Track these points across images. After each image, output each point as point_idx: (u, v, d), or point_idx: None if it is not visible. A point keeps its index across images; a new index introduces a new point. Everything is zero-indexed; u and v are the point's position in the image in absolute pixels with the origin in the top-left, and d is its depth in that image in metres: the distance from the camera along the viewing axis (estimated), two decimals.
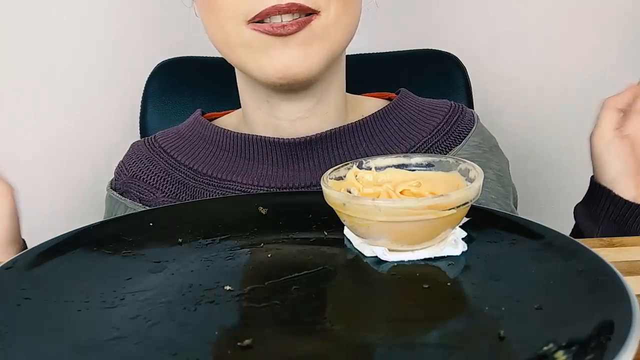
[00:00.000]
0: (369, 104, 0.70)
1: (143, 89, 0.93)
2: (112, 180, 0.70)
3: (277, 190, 0.63)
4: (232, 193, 0.63)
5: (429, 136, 0.67)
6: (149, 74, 0.93)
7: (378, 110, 0.68)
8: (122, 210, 0.67)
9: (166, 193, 0.65)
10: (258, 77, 0.60)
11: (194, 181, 0.65)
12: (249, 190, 0.63)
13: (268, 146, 0.64)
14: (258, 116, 0.66)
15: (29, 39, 1.08)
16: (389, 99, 0.73)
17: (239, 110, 0.71)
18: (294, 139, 0.64)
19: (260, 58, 0.59)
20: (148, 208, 0.64)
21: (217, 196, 0.64)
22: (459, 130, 0.68)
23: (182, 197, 0.65)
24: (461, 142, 0.67)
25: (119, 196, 0.67)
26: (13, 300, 0.37)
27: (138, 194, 0.66)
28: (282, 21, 0.57)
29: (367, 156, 0.64)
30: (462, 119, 0.69)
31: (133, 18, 1.10)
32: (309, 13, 0.58)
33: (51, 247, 0.45)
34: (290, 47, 0.58)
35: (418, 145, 0.66)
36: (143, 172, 0.68)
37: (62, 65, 1.09)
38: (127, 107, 1.02)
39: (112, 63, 1.10)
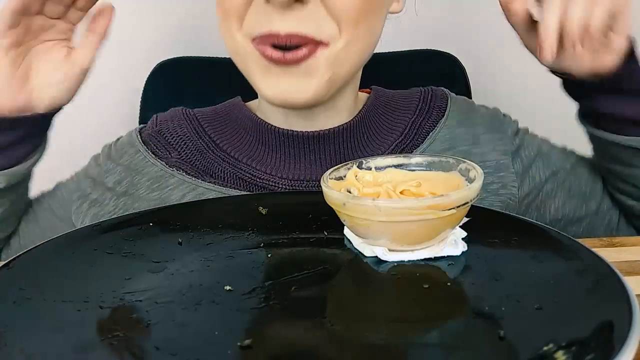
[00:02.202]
0: (360, 98, 0.72)
1: (142, 88, 0.93)
2: (143, 126, 0.73)
3: (287, 181, 0.64)
4: (244, 175, 0.65)
5: (414, 116, 0.69)
6: (149, 73, 0.93)
7: (368, 103, 0.69)
8: (134, 152, 0.68)
9: (182, 155, 0.67)
10: (261, 95, 0.61)
11: (212, 153, 0.67)
12: (260, 176, 0.65)
13: (282, 137, 0.65)
14: (272, 111, 0.67)
15: None
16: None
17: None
18: (307, 132, 0.65)
19: (263, 80, 0.58)
20: (159, 160, 0.66)
21: (227, 172, 0.65)
22: (437, 106, 0.70)
23: (196, 163, 0.66)
24: (444, 113, 0.69)
25: (139, 141, 0.69)
26: (13, 300, 0.37)
27: (155, 148, 0.68)
28: (286, 45, 0.54)
29: (372, 147, 0.66)
30: (436, 97, 0.72)
31: (132, 18, 1.09)
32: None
33: (51, 247, 0.45)
34: (290, 76, 0.56)
35: (408, 127, 0.68)
36: (169, 131, 0.69)
37: None
38: (126, 106, 1.02)
39: (112, 63, 1.10)
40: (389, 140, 0.67)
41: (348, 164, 0.48)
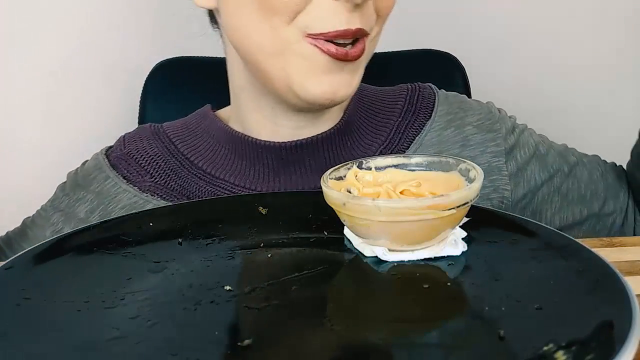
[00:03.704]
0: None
1: (142, 88, 0.93)
2: (109, 147, 0.69)
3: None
4: (221, 192, 0.63)
5: (399, 119, 0.67)
6: (148, 73, 0.93)
7: (348, 106, 0.67)
8: (103, 178, 0.65)
9: (155, 178, 0.64)
10: (301, 95, 0.57)
11: (187, 171, 0.64)
12: (239, 192, 0.62)
13: (260, 149, 0.63)
14: (256, 118, 0.64)
15: (28, 39, 1.08)
16: None
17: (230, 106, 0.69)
18: (286, 142, 0.63)
19: (313, 77, 0.56)
20: (130, 186, 0.63)
21: (205, 192, 0.63)
22: (424, 106, 0.69)
23: (171, 185, 0.64)
24: (431, 115, 0.67)
25: (108, 165, 0.66)
26: (13, 300, 0.37)
27: (125, 171, 0.65)
28: (344, 43, 0.55)
29: (356, 154, 0.64)
30: (423, 95, 0.70)
31: (132, 18, 1.09)
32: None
33: (51, 247, 0.45)
34: (344, 72, 0.57)
35: (394, 130, 0.66)
36: (139, 152, 0.66)
37: (61, 66, 1.09)
38: (126, 107, 1.02)
39: (111, 63, 1.10)
40: (374, 146, 0.65)
41: (348, 164, 0.48)
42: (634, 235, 0.67)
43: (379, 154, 0.64)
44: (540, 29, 1.12)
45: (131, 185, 0.64)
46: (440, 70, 0.94)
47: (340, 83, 0.57)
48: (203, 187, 0.63)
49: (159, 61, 0.94)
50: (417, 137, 0.66)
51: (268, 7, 0.54)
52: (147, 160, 0.66)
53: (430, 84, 0.72)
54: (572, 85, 1.13)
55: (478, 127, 0.67)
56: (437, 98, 0.69)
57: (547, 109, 1.13)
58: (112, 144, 0.71)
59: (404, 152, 0.65)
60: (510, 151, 0.66)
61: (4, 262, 0.42)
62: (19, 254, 0.43)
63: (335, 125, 0.65)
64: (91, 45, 1.09)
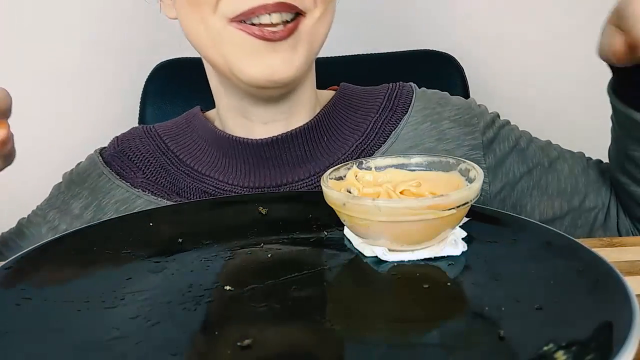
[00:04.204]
0: (323, 97, 0.71)
1: (142, 90, 0.93)
2: (102, 148, 0.71)
3: (249, 190, 0.63)
4: (207, 188, 0.65)
5: (377, 115, 0.68)
6: (148, 75, 0.93)
7: (328, 103, 0.69)
8: (97, 175, 0.67)
9: (146, 175, 0.66)
10: (242, 79, 0.59)
11: (175, 169, 0.66)
12: (223, 187, 0.64)
13: (239, 146, 0.65)
14: (230, 116, 0.67)
15: (28, 40, 1.08)
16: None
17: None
18: (261, 139, 0.64)
19: (246, 60, 0.58)
20: (123, 181, 0.65)
21: (193, 188, 0.65)
22: (402, 102, 0.69)
23: (161, 182, 0.66)
24: (407, 111, 0.68)
25: (101, 162, 0.68)
26: (13, 300, 0.37)
27: (119, 168, 0.67)
28: (271, 22, 0.56)
29: (333, 149, 0.65)
30: (401, 93, 0.70)
31: (131, 20, 1.09)
32: (296, 13, 0.57)
33: (51, 247, 0.45)
34: (278, 52, 0.57)
35: (370, 126, 0.67)
36: (132, 150, 0.69)
37: (60, 67, 1.09)
38: (125, 108, 1.02)
39: (111, 64, 1.10)
40: (350, 141, 0.66)
41: (348, 164, 0.48)
42: (618, 231, 0.67)
43: (354, 149, 0.66)
44: (540, 29, 1.12)
45: (124, 181, 0.66)
46: (440, 70, 0.94)
47: (277, 64, 0.57)
48: (190, 183, 0.65)
49: (159, 62, 0.94)
50: (393, 131, 0.67)
51: (193, 1, 0.57)
52: (139, 158, 0.68)
53: (411, 83, 0.73)
54: (572, 85, 1.13)
55: (455, 122, 0.68)
56: (414, 94, 0.70)
57: (546, 109, 1.13)
58: None
59: (380, 146, 0.66)
60: (489, 144, 0.67)
61: (3, 262, 0.42)
62: (19, 254, 0.43)
63: (309, 121, 0.66)
64: (92, 46, 1.09)
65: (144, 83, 0.93)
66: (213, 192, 0.64)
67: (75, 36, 1.09)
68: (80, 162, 0.71)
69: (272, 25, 0.56)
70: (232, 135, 0.65)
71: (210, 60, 0.62)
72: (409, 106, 0.69)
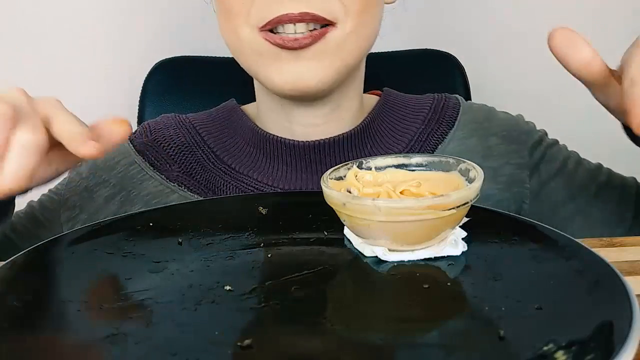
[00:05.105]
0: (367, 103, 0.70)
1: (141, 88, 0.93)
2: (133, 133, 0.67)
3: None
4: (246, 188, 0.63)
5: (423, 126, 0.67)
6: (147, 73, 0.93)
7: (373, 109, 0.67)
8: (127, 163, 0.64)
9: (182, 169, 0.64)
10: (269, 87, 0.59)
11: (212, 165, 0.64)
12: (262, 188, 0.63)
13: (283, 147, 0.63)
14: (272, 118, 0.65)
15: (27, 38, 1.08)
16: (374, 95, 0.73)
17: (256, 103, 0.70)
18: (307, 142, 0.63)
19: (269, 68, 0.58)
20: (158, 174, 0.63)
21: (231, 187, 0.63)
22: (448, 115, 0.68)
23: (197, 177, 0.64)
24: (454, 124, 0.67)
25: (134, 151, 0.65)
26: (13, 300, 0.37)
27: (153, 158, 0.65)
28: (295, 32, 0.55)
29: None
30: (447, 105, 0.69)
31: (131, 18, 1.09)
32: (324, 24, 0.56)
33: (51, 247, 0.45)
34: (302, 60, 0.56)
35: (416, 137, 0.66)
36: (166, 140, 0.66)
37: (59, 65, 1.09)
38: (125, 106, 1.02)
39: (110, 62, 1.10)
40: (393, 151, 0.65)
41: (348, 164, 0.48)
42: None
43: None
44: (541, 29, 1.12)
45: (158, 173, 0.63)
46: (440, 70, 0.94)
47: (301, 71, 0.57)
48: (229, 182, 0.63)
49: (158, 60, 0.94)
50: (439, 146, 0.65)
51: (226, 11, 0.58)
52: (174, 149, 0.65)
53: (457, 95, 0.72)
54: (571, 85, 1.12)
55: (502, 138, 0.66)
56: (461, 107, 0.69)
57: (547, 109, 1.13)
58: None
59: None
60: (536, 165, 0.65)
61: (3, 262, 0.42)
62: (18, 254, 0.43)
63: (355, 127, 0.65)
64: (90, 44, 1.09)
65: (143, 80, 0.93)
66: (251, 192, 0.63)
67: (74, 34, 1.09)
68: None
69: (296, 35, 0.55)
70: (276, 136, 0.64)
71: (244, 68, 0.62)
72: (455, 119, 0.67)
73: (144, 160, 0.64)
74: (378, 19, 0.61)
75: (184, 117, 0.69)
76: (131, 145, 0.66)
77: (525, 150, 0.65)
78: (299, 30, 0.55)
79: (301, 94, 0.59)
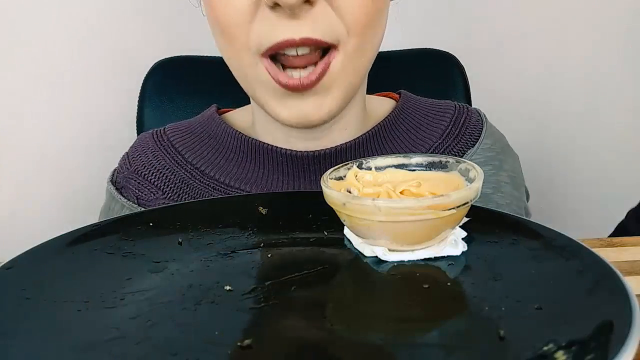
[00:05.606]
0: (378, 107, 0.67)
1: (140, 88, 0.93)
2: (114, 171, 0.67)
3: None
4: None
5: (440, 140, 0.64)
6: (146, 73, 0.93)
7: (386, 117, 0.65)
8: (119, 208, 0.64)
9: (167, 194, 0.62)
10: (271, 116, 0.57)
11: (199, 183, 0.62)
12: None
13: (280, 157, 0.61)
14: (269, 129, 0.63)
15: (26, 38, 1.08)
16: (390, 97, 0.71)
17: (250, 106, 0.66)
18: (307, 152, 0.61)
19: (274, 102, 0.55)
20: (144, 209, 0.62)
21: None
22: (469, 132, 0.65)
23: (184, 198, 0.62)
24: (474, 145, 0.64)
25: (116, 193, 0.64)
26: (13, 300, 0.37)
27: (137, 191, 0.63)
28: (297, 53, 0.52)
29: None
30: (469, 120, 0.66)
31: (130, 17, 1.10)
32: (327, 47, 0.53)
33: (51, 247, 0.45)
34: (307, 98, 0.54)
35: (431, 149, 0.64)
36: (146, 167, 0.64)
37: (59, 65, 1.09)
38: (124, 106, 1.02)
39: (109, 62, 1.10)
40: None
41: (348, 164, 0.48)
42: None
43: None
44: (540, 29, 1.12)
45: (143, 207, 0.62)
46: (440, 70, 0.94)
47: (307, 109, 0.54)
48: (217, 196, 0.62)
49: (157, 60, 0.94)
50: None
51: (223, 34, 0.54)
52: (155, 175, 0.63)
53: (478, 109, 0.69)
54: (572, 85, 1.13)
55: (511, 179, 0.65)
56: (484, 128, 0.66)
57: (546, 110, 1.13)
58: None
59: None
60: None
61: (4, 262, 0.42)
62: (18, 254, 0.43)
63: (362, 135, 0.62)
64: (89, 44, 1.09)
65: (142, 80, 0.93)
66: None
67: (73, 34, 1.09)
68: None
69: (299, 58, 0.52)
70: (272, 145, 0.62)
71: (246, 91, 0.59)
72: (477, 140, 0.65)
73: (128, 200, 0.63)
74: (383, 26, 0.58)
75: (161, 134, 0.67)
76: (113, 188, 0.65)
77: (522, 202, 0.66)
78: (301, 52, 0.53)
79: (310, 126, 0.57)
